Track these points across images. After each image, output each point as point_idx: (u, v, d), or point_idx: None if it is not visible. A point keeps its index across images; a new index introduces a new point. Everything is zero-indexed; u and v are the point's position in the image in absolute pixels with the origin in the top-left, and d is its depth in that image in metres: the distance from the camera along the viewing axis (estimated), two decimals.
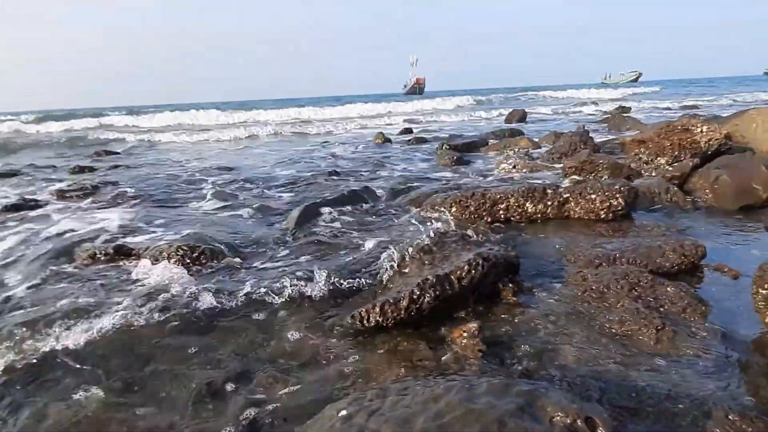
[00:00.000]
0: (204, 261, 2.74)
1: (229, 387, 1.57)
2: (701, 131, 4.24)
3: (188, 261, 2.71)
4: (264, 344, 1.85)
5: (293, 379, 1.60)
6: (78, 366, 1.74)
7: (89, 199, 4.61)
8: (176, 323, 2.02)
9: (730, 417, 1.31)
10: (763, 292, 1.71)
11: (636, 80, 66.78)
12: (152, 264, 2.69)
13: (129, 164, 7.32)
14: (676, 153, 4.23)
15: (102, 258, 2.85)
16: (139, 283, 2.47)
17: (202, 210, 4.14)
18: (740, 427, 1.28)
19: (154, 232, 3.40)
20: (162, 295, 2.23)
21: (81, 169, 6.59)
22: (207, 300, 2.19)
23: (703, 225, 3.02)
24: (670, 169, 4.00)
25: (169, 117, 19.75)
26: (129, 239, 3.20)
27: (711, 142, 4.19)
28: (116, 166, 7.10)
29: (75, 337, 1.90)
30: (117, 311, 2.06)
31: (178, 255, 2.73)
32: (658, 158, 4.30)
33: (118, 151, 9.70)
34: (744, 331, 1.78)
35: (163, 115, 20.11)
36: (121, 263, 2.79)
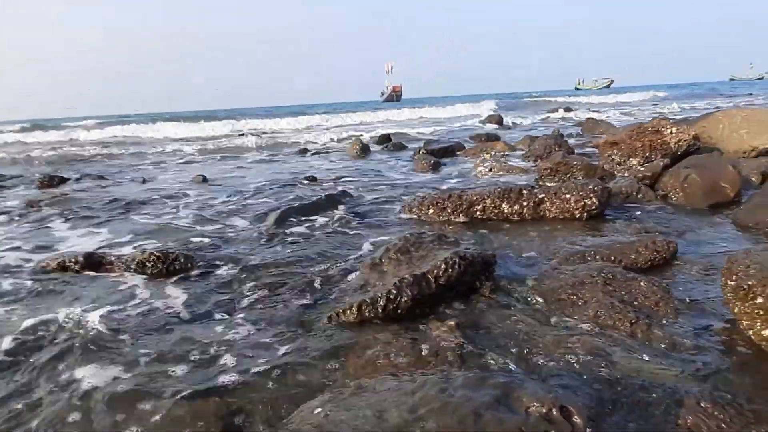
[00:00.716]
0: (178, 267, 2.68)
1: (202, 387, 1.54)
2: (671, 132, 4.34)
3: (162, 267, 2.65)
4: (237, 345, 1.81)
5: (269, 379, 1.57)
6: None
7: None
8: (151, 325, 1.97)
9: (702, 404, 1.33)
10: (731, 283, 1.75)
11: (608, 86, 68.37)
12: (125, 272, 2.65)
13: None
14: (648, 154, 4.33)
15: (72, 267, 2.77)
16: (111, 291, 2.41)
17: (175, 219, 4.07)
18: (712, 413, 1.30)
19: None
20: (133, 301, 2.18)
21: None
22: (179, 303, 2.14)
23: (675, 222, 3.09)
24: (642, 169, 4.09)
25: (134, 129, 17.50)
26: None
27: (680, 143, 4.30)
28: None
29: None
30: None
31: (151, 261, 2.68)
32: (631, 159, 4.39)
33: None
34: (714, 322, 1.82)
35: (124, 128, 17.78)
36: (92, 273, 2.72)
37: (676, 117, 8.56)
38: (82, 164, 9.04)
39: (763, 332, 1.62)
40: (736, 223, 3.00)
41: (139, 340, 1.89)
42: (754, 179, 3.85)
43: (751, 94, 24.06)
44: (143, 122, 19.60)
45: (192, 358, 1.74)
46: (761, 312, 1.62)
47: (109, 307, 2.14)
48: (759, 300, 1.63)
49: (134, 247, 3.11)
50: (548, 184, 3.87)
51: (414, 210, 3.46)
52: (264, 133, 14.89)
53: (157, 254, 2.67)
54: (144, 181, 6.13)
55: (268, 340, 1.84)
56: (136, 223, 3.85)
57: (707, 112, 5.55)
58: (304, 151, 9.11)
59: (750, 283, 1.66)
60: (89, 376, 1.62)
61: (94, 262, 2.80)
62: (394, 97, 65.49)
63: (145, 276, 2.60)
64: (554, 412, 1.04)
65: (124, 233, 3.50)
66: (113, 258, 2.83)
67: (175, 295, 2.32)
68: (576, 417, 1.04)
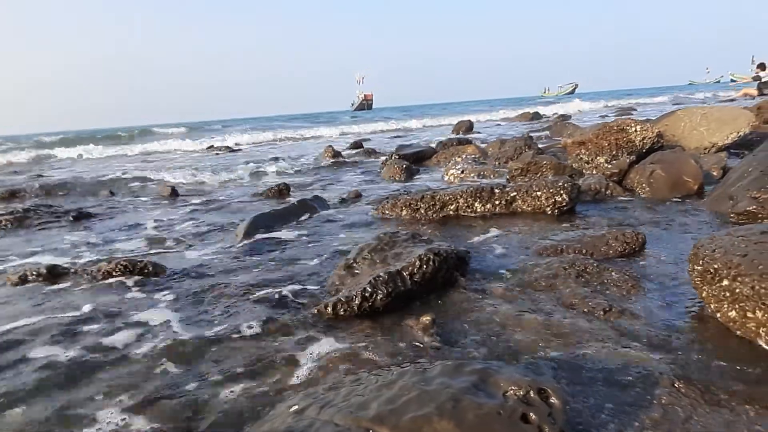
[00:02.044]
0: (147, 275, 2.61)
1: (176, 391, 1.49)
2: (635, 131, 4.46)
3: (130, 276, 2.57)
4: (212, 348, 1.76)
5: (245, 380, 1.53)
6: None
7: None
8: (120, 336, 1.90)
9: (675, 384, 1.35)
10: (698, 268, 1.79)
11: (572, 92, 70.23)
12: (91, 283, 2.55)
13: None
14: (614, 152, 4.43)
15: (34, 279, 2.66)
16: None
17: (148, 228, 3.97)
18: (685, 393, 1.32)
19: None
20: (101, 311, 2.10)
21: None
22: (153, 310, 2.08)
23: (642, 215, 3.16)
24: (610, 166, 4.19)
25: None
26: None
27: (645, 141, 4.41)
28: None
29: None
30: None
31: (118, 271, 2.60)
32: (598, 157, 4.49)
33: None
34: (684, 306, 1.86)
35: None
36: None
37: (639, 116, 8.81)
38: None
39: (729, 314, 1.66)
40: (700, 214, 3.09)
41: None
42: (714, 173, 3.98)
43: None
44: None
45: (160, 363, 1.68)
46: (727, 294, 1.66)
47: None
48: (725, 282, 1.67)
49: None
50: (520, 183, 3.92)
51: (387, 212, 3.45)
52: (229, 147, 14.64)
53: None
54: None
55: (240, 344, 1.80)
56: None
57: (670, 110, 5.72)
58: (275, 159, 9.03)
59: (716, 266, 1.71)
60: None
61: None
62: (366, 106, 66.04)
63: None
64: (532, 395, 1.04)
65: None
66: None
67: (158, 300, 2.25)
68: (554, 398, 1.04)
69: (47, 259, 3.09)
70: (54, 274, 2.70)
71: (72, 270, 2.76)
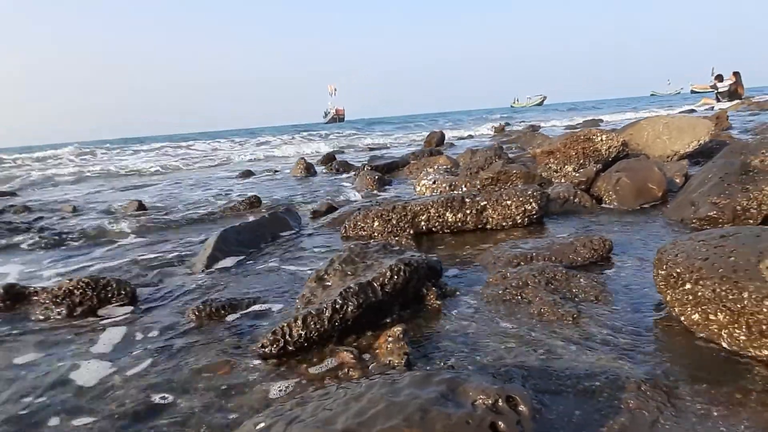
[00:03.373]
0: (111, 295, 2.52)
1: (131, 408, 1.43)
2: (601, 140, 4.57)
3: (94, 295, 2.49)
4: (178, 371, 1.71)
5: (207, 400, 1.49)
6: None
7: None
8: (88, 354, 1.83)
9: (642, 388, 1.37)
10: (662, 272, 1.83)
11: (541, 104, 72.01)
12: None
13: None
14: (582, 161, 4.53)
15: None
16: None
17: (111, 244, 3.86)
18: (652, 396, 1.33)
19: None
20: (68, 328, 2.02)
21: None
22: (113, 331, 2.01)
23: (609, 222, 3.23)
24: (577, 175, 4.27)
25: None
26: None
27: (610, 149, 4.53)
28: None
29: None
30: None
31: (79, 290, 2.50)
32: (566, 166, 4.57)
33: None
34: (650, 310, 1.89)
35: None
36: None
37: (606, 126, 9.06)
38: None
39: (692, 317, 1.69)
40: (664, 220, 3.18)
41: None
42: (677, 180, 4.10)
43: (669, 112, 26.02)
44: None
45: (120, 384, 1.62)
46: (690, 297, 1.70)
47: None
48: (687, 286, 1.71)
49: None
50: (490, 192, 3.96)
51: (359, 224, 3.44)
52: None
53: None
54: None
55: (208, 361, 1.75)
56: None
57: (633, 120, 5.90)
58: (248, 173, 8.93)
59: (678, 270, 1.75)
60: None
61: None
62: (337, 119, 66.76)
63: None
64: (500, 403, 1.03)
65: None
66: None
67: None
68: (522, 406, 1.04)
69: None
70: None
71: None
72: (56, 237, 4.06)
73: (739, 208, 2.80)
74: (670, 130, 5.24)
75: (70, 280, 2.53)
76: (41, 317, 2.35)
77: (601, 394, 1.35)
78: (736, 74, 19.47)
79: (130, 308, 2.38)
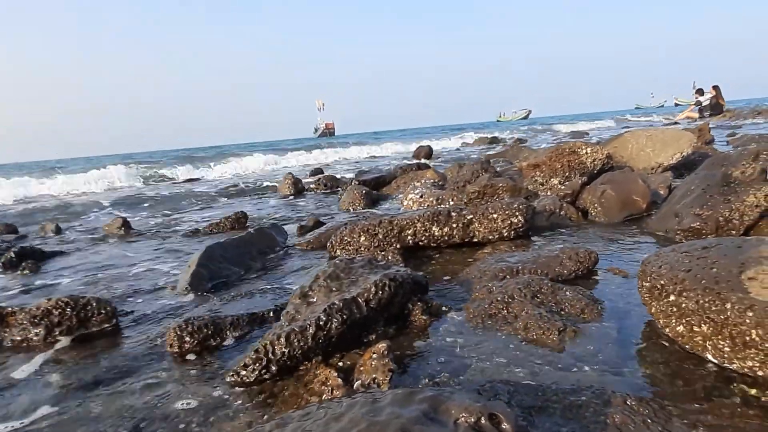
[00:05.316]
0: (92, 314, 2.47)
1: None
2: (586, 153, 4.61)
3: (73, 315, 2.43)
4: (159, 397, 1.66)
5: (187, 424, 1.45)
6: None
7: None
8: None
9: (628, 402, 1.35)
10: (647, 284, 1.83)
11: (526, 117, 73.03)
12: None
13: None
14: (567, 173, 4.55)
15: None
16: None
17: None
18: (638, 410, 1.32)
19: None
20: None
21: None
22: (93, 355, 1.95)
23: (595, 234, 3.24)
24: (563, 187, 4.29)
25: None
26: None
27: (595, 162, 4.56)
28: None
29: None
30: None
31: (58, 310, 2.44)
32: (552, 179, 4.60)
33: None
34: (635, 323, 1.89)
35: None
36: None
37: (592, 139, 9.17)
38: None
39: (677, 328, 1.69)
40: (649, 231, 3.20)
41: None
42: (661, 192, 4.13)
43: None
44: None
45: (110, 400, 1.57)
46: (674, 309, 1.69)
47: None
48: (671, 298, 1.70)
49: None
50: (476, 206, 3.96)
51: (345, 239, 3.41)
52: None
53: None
54: None
55: (188, 382, 1.71)
56: None
57: (618, 133, 5.97)
58: (234, 187, 8.89)
59: (662, 282, 1.75)
60: None
61: None
62: (328, 133, 67.18)
63: None
64: (483, 421, 1.01)
65: None
66: None
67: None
68: (505, 423, 1.02)
69: None
70: None
71: None
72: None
73: (721, 219, 2.83)
74: (653, 142, 5.30)
75: (49, 299, 2.47)
76: (18, 338, 2.29)
77: (587, 408, 1.34)
78: (716, 88, 19.88)
79: (109, 327, 2.32)
